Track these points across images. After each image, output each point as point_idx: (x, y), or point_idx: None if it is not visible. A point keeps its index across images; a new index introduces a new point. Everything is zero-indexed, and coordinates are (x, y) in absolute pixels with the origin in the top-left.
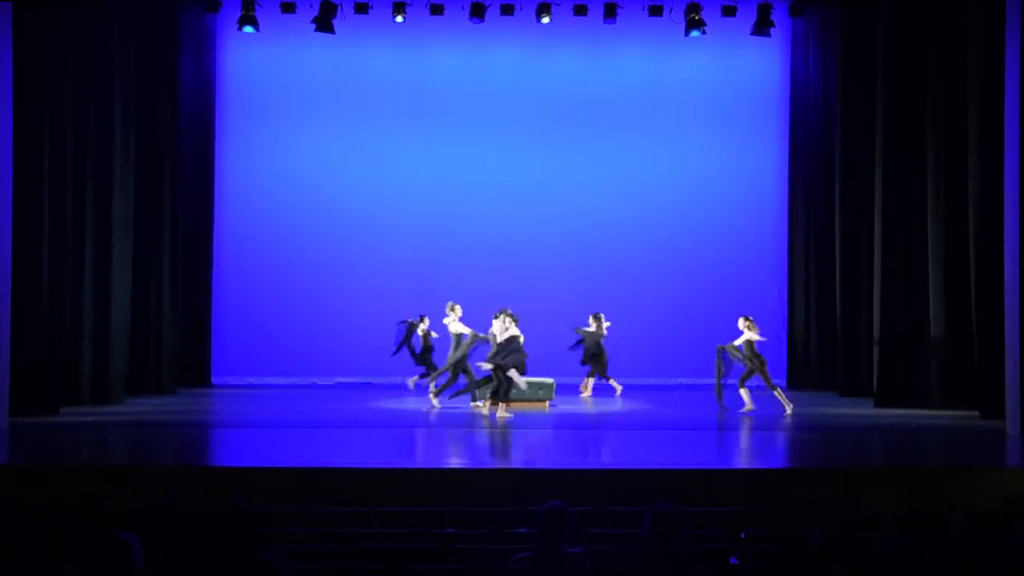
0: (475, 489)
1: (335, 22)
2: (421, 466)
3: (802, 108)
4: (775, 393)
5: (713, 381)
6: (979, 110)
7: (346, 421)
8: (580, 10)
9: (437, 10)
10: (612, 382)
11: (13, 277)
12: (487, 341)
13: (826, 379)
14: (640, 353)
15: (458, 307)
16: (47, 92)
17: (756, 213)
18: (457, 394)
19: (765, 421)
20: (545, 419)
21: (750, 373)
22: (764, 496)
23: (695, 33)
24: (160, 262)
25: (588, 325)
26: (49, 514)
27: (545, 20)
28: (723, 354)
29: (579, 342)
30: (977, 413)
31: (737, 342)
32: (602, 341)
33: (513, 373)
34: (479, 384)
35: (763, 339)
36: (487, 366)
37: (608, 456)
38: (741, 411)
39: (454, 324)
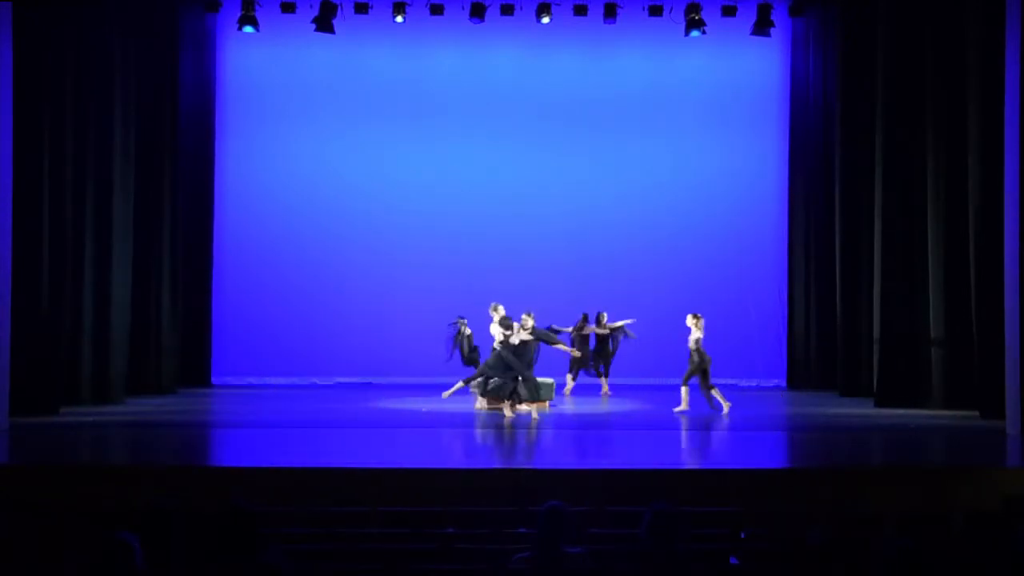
0: (475, 489)
1: (335, 22)
2: (421, 466)
3: (802, 108)
4: (712, 392)
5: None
6: (979, 110)
7: (346, 421)
8: (580, 10)
9: (437, 10)
10: (603, 380)
11: (13, 277)
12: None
13: (826, 379)
14: (640, 353)
15: (501, 307)
16: (47, 92)
17: (756, 213)
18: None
19: (764, 421)
20: (545, 419)
21: (693, 372)
22: (764, 496)
23: (695, 33)
24: (160, 262)
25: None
26: (49, 514)
27: (545, 20)
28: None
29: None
30: (977, 413)
31: (691, 339)
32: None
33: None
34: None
35: (699, 336)
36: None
37: (608, 456)
38: (675, 409)
39: (495, 325)
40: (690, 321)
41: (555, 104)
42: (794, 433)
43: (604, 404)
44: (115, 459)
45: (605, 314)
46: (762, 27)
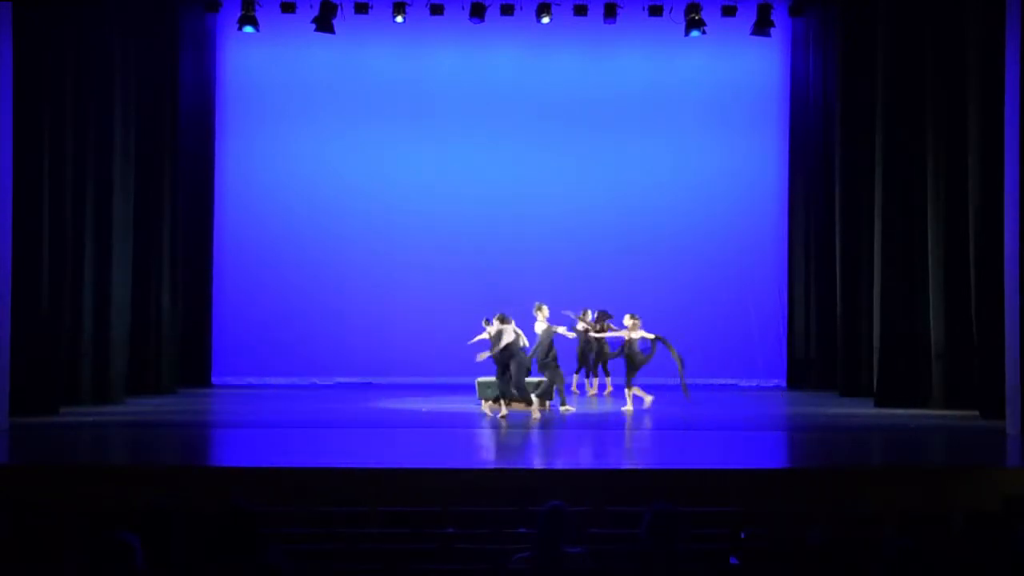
0: (475, 489)
1: (335, 22)
2: (421, 466)
3: (802, 108)
4: (627, 391)
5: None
6: (979, 110)
7: (346, 421)
8: (580, 10)
9: (437, 10)
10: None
11: (13, 277)
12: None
13: (826, 379)
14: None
15: (545, 307)
16: (47, 92)
17: (756, 213)
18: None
19: (764, 421)
20: (545, 419)
21: (633, 371)
22: (764, 496)
23: (695, 33)
24: (160, 262)
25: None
26: (49, 514)
27: (545, 20)
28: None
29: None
30: (977, 413)
31: (636, 337)
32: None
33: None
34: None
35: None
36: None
37: (608, 456)
38: (622, 409)
39: (541, 324)
40: (628, 321)
41: (555, 104)
42: (794, 433)
43: (604, 403)
44: (115, 459)
45: (589, 311)
46: (762, 27)
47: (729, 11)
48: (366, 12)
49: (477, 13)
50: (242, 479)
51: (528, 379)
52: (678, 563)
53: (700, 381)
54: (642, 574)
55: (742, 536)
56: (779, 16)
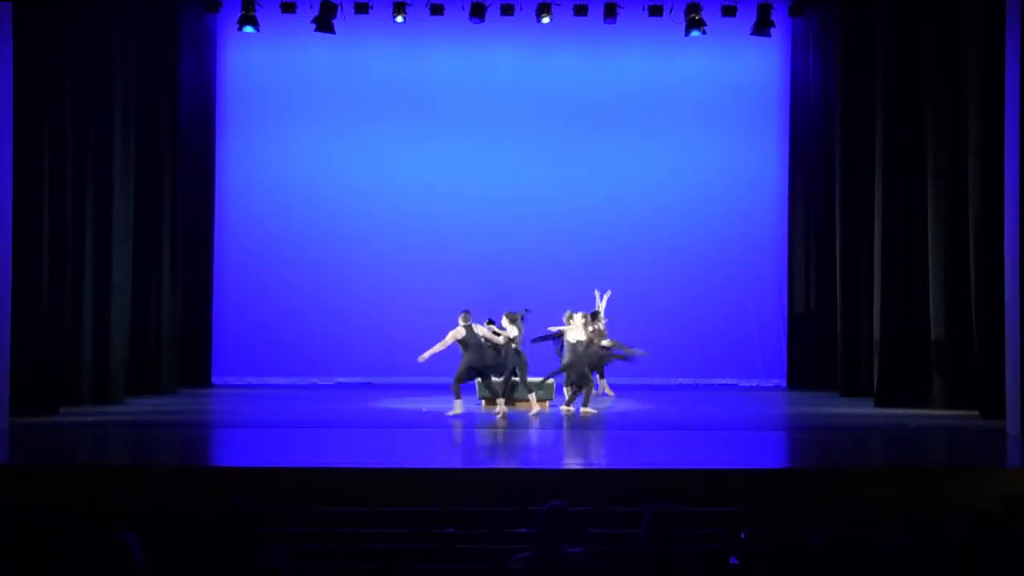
0: (475, 489)
1: (335, 22)
2: (421, 466)
3: (802, 108)
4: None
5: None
6: (979, 110)
7: (346, 421)
8: (580, 10)
9: (437, 10)
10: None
11: (13, 277)
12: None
13: (826, 379)
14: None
15: (577, 315)
16: (47, 92)
17: (756, 213)
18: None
19: (764, 421)
20: (545, 419)
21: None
22: (764, 496)
23: (695, 33)
24: (160, 262)
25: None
26: (49, 514)
27: (545, 20)
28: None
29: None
30: (977, 413)
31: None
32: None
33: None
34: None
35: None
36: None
37: (608, 456)
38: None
39: (575, 332)
40: (505, 321)
41: (555, 104)
42: (794, 433)
43: (605, 404)
44: (115, 459)
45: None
46: (762, 27)
47: (729, 11)
48: (366, 12)
49: (477, 13)
50: (242, 479)
51: (531, 378)
52: (678, 563)
53: (700, 381)
54: (642, 574)
55: (742, 536)
56: (779, 16)
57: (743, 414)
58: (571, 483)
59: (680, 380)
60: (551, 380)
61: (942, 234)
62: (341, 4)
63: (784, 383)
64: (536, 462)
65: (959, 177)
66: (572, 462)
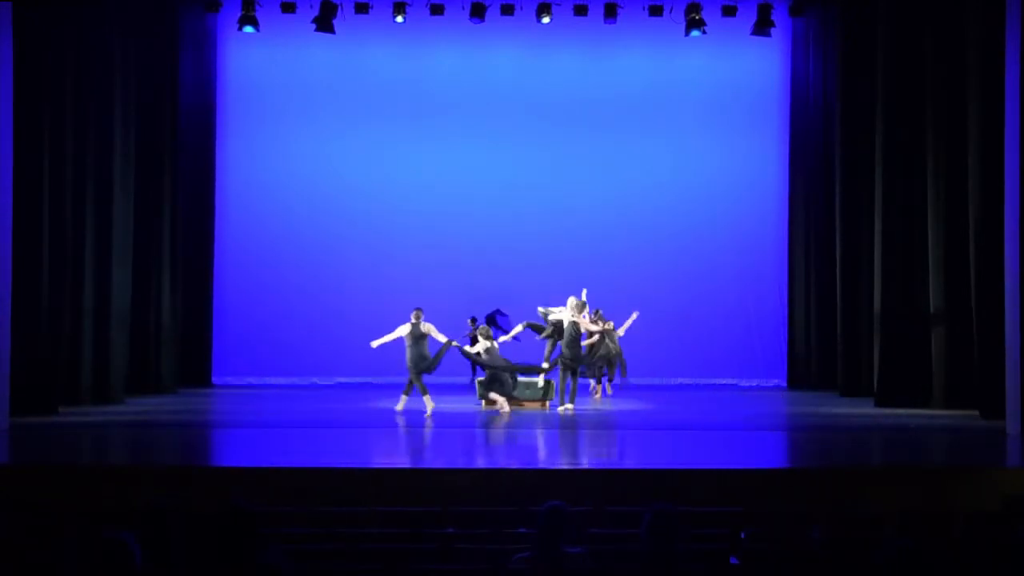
0: (475, 489)
1: (335, 22)
2: (421, 466)
3: (802, 108)
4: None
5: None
6: (979, 110)
7: (346, 421)
8: (580, 10)
9: (437, 10)
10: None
11: (13, 277)
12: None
13: (826, 379)
14: (641, 353)
15: (571, 299)
16: (47, 92)
17: (756, 213)
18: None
19: (764, 421)
20: (545, 419)
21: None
22: (764, 496)
23: (695, 33)
24: (160, 262)
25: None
26: (49, 514)
27: (545, 20)
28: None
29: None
30: (977, 413)
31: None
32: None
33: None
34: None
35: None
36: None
37: (608, 456)
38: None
39: (566, 313)
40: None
41: (555, 104)
42: (794, 433)
43: (604, 404)
44: (115, 459)
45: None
46: (762, 27)
47: (729, 11)
48: (366, 12)
49: (477, 13)
50: (242, 479)
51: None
52: (678, 563)
53: (700, 381)
54: (642, 574)
55: (742, 536)
56: (779, 16)
57: (743, 414)
58: (571, 483)
59: (680, 380)
60: (551, 379)
61: (942, 234)
62: (341, 4)
63: (784, 383)
64: (536, 462)
65: (959, 177)
66: (572, 462)
